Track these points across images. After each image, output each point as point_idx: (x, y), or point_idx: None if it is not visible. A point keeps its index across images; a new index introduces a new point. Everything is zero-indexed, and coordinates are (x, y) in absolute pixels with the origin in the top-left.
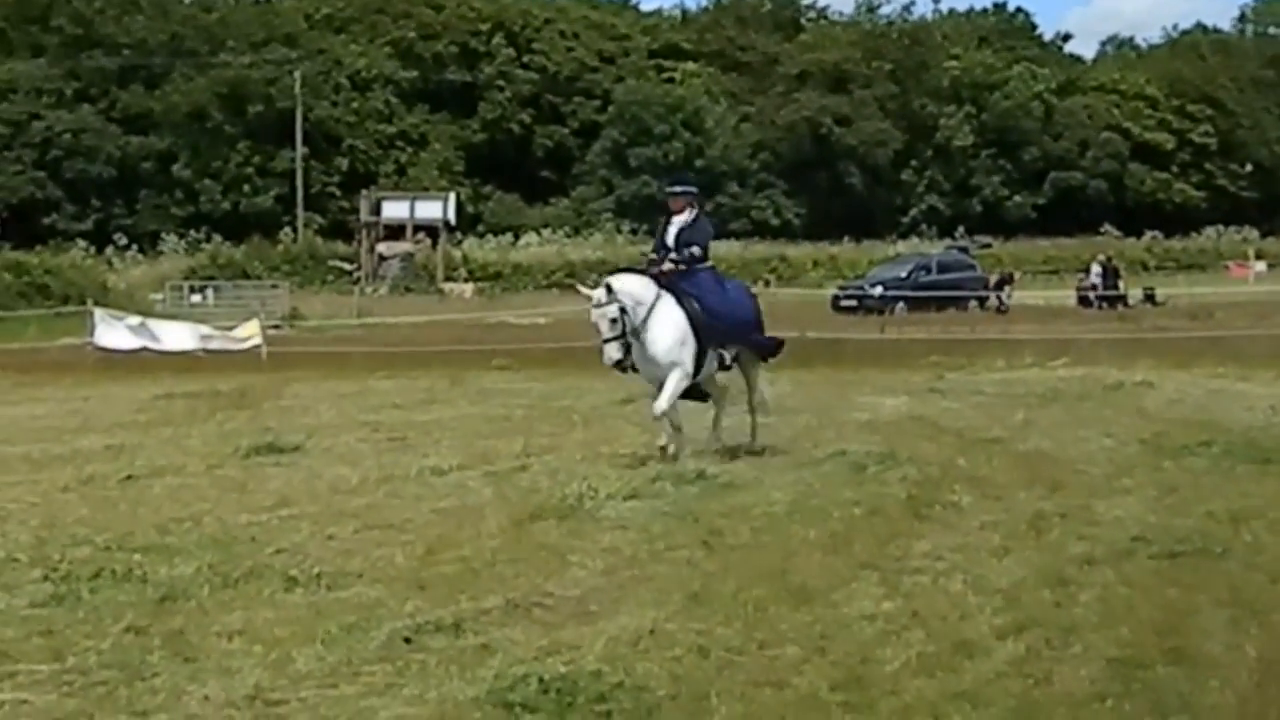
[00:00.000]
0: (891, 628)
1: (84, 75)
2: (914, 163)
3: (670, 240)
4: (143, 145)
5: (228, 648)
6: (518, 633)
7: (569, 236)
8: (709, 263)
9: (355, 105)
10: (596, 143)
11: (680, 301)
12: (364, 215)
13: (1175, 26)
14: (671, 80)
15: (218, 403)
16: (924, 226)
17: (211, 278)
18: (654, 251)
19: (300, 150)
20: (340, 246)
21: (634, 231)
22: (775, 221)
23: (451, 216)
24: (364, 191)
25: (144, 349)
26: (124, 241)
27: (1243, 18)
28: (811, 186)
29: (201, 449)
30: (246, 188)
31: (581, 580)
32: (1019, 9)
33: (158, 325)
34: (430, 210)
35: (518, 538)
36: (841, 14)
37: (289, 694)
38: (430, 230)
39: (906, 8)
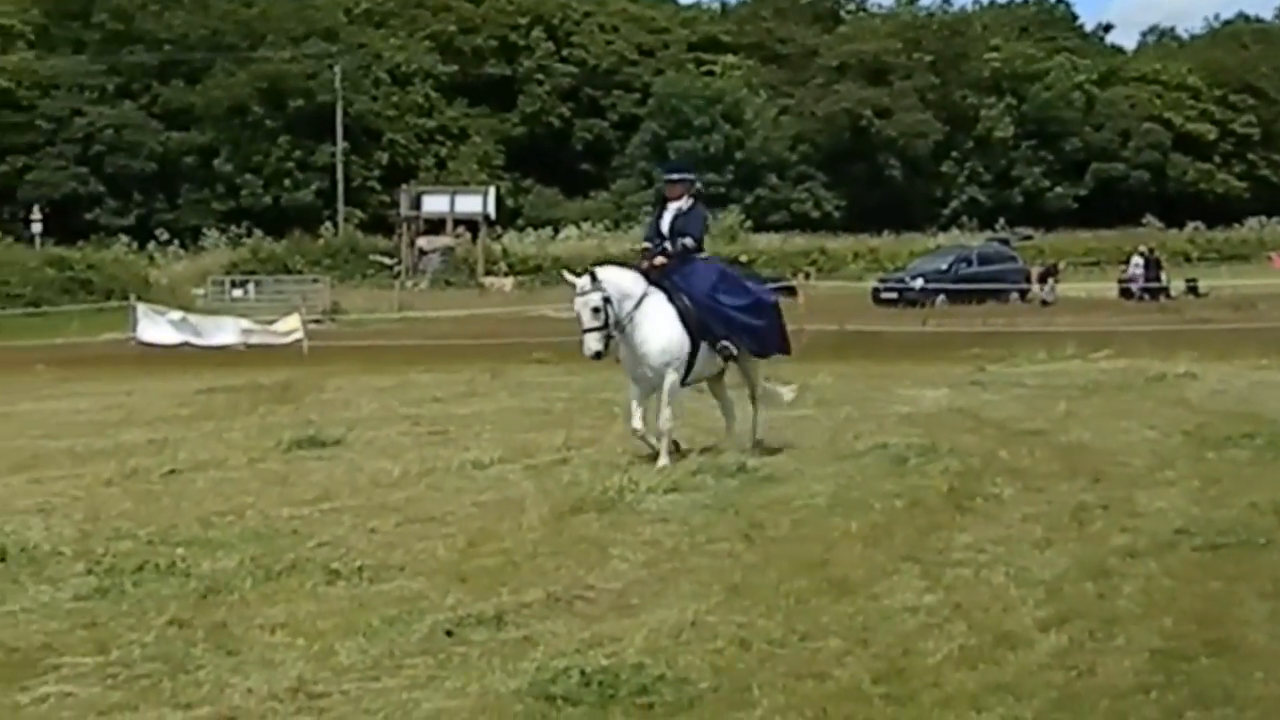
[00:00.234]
0: (933, 620)
1: (125, 71)
2: (954, 154)
3: (665, 228)
4: (184, 140)
5: (270, 640)
6: (559, 625)
7: (608, 230)
8: (704, 252)
9: (395, 99)
10: (636, 135)
11: (671, 298)
12: (404, 209)
13: (1217, 16)
14: (711, 73)
15: (259, 397)
16: (964, 218)
17: (253, 272)
18: (647, 240)
19: (340, 144)
20: (380, 241)
21: None
22: (815, 214)
23: (491, 210)
24: (404, 186)
25: (186, 344)
26: (165, 236)
27: None
28: (851, 178)
29: (243, 443)
30: (287, 182)
31: (622, 573)
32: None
33: (199, 320)
34: (470, 204)
35: (559, 530)
36: (881, 5)
37: (331, 686)
38: (470, 224)
39: None
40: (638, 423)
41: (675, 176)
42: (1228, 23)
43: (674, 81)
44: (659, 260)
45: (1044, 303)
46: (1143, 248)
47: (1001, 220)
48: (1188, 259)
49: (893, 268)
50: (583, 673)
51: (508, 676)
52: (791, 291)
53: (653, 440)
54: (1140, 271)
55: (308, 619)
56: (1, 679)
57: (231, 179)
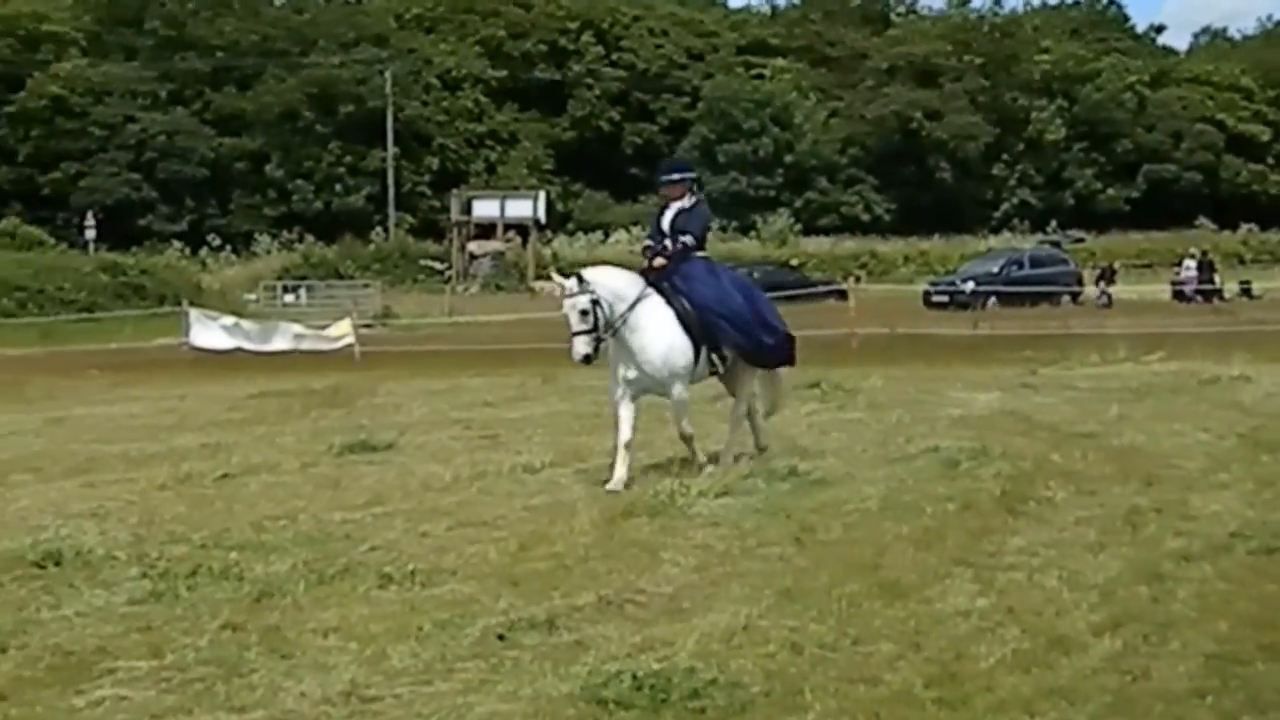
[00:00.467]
0: (986, 624)
1: (177, 77)
2: (1005, 156)
3: (666, 227)
4: (235, 146)
5: (323, 644)
6: (611, 629)
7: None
8: (704, 252)
9: (445, 104)
10: (685, 139)
11: (669, 301)
12: (455, 214)
13: (1270, 17)
14: (760, 76)
15: (311, 401)
16: (1015, 221)
17: (304, 277)
18: (649, 238)
19: (391, 150)
20: (431, 245)
21: (723, 228)
22: (865, 217)
23: (541, 214)
24: (454, 190)
25: (238, 348)
26: (217, 242)
27: None
28: (901, 181)
29: (296, 447)
30: (338, 187)
31: (674, 577)
32: (1111, 1)
33: (252, 325)
34: (520, 208)
35: (610, 534)
36: (931, 8)
37: (384, 690)
38: (520, 228)
39: (997, 1)
40: (627, 431)
41: (675, 177)
42: None
43: (723, 85)
44: (658, 261)
45: (1102, 305)
46: (1195, 250)
47: (1053, 223)
48: (1241, 261)
49: (943, 271)
50: (634, 677)
51: (559, 680)
52: (842, 295)
53: (620, 468)
54: (1193, 273)
55: (360, 623)
56: (57, 683)
57: (283, 184)
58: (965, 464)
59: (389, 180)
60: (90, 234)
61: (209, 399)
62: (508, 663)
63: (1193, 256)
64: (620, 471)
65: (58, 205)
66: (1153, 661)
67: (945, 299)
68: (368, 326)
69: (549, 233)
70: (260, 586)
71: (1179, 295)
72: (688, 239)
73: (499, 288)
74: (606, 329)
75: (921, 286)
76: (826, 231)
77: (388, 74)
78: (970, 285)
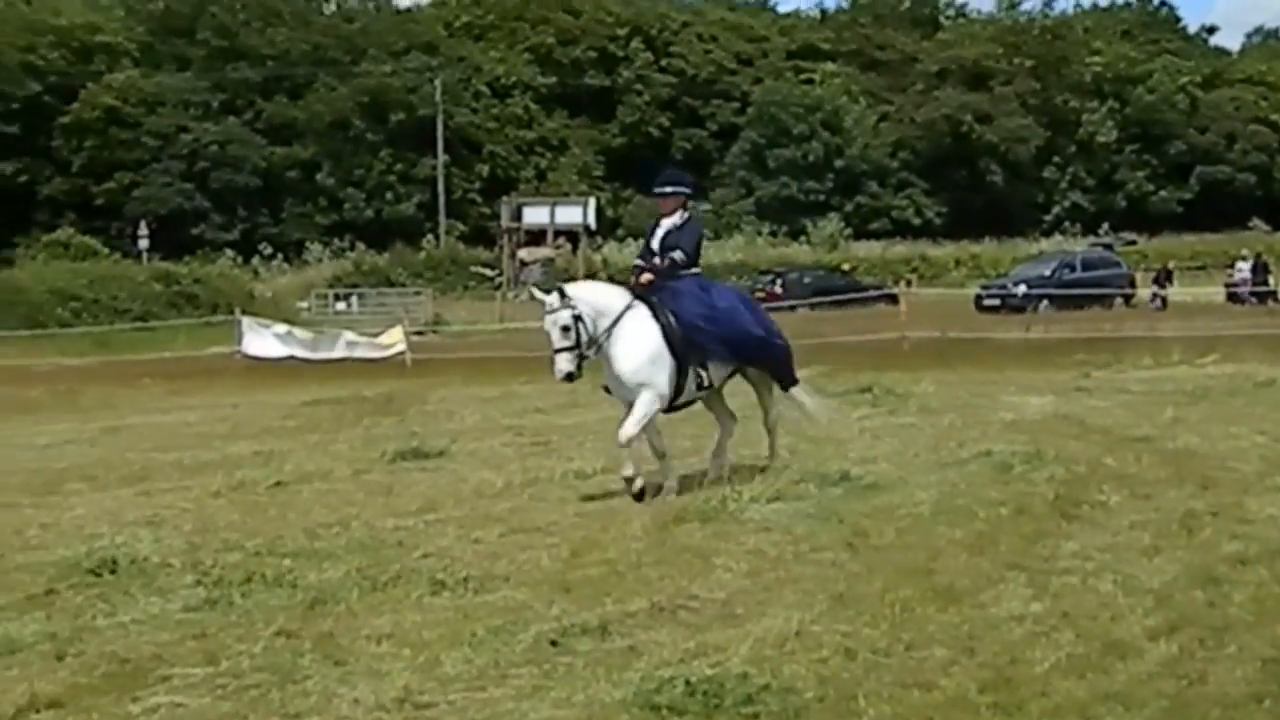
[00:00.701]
0: (1040, 628)
1: (229, 87)
2: (1056, 159)
3: (656, 245)
4: (287, 155)
5: (377, 651)
6: (663, 635)
7: (709, 239)
8: (696, 270)
9: (495, 111)
10: (735, 144)
11: (655, 314)
12: (505, 221)
13: None
14: (810, 81)
15: (364, 409)
16: (1067, 224)
17: (356, 285)
18: (640, 258)
19: (441, 157)
20: (482, 252)
21: (774, 233)
22: (916, 221)
23: (592, 221)
24: (504, 197)
25: (291, 356)
26: (269, 250)
27: None
28: (952, 184)
29: (348, 454)
30: (389, 195)
31: (726, 582)
32: (1163, 2)
33: (304, 333)
34: (570, 215)
35: (662, 540)
36: (980, 11)
37: (438, 696)
38: (571, 235)
39: (1048, 3)
40: (655, 443)
41: (668, 190)
42: None
43: (773, 90)
44: (645, 277)
45: (1156, 307)
46: (1248, 251)
47: (1105, 225)
48: None
49: (995, 274)
50: (688, 682)
51: (613, 686)
52: (893, 299)
53: (631, 464)
54: (1247, 275)
55: (413, 629)
56: (113, 690)
57: (334, 192)
58: (1018, 468)
59: (439, 188)
60: (144, 243)
61: (262, 407)
62: (561, 669)
63: (1245, 258)
64: (670, 482)
65: (112, 215)
66: (1209, 666)
67: (997, 302)
68: (419, 334)
69: (599, 239)
70: (314, 593)
71: (1233, 297)
72: (678, 255)
73: None
74: (590, 345)
75: (973, 290)
76: (877, 235)
77: (438, 82)
78: (1022, 288)
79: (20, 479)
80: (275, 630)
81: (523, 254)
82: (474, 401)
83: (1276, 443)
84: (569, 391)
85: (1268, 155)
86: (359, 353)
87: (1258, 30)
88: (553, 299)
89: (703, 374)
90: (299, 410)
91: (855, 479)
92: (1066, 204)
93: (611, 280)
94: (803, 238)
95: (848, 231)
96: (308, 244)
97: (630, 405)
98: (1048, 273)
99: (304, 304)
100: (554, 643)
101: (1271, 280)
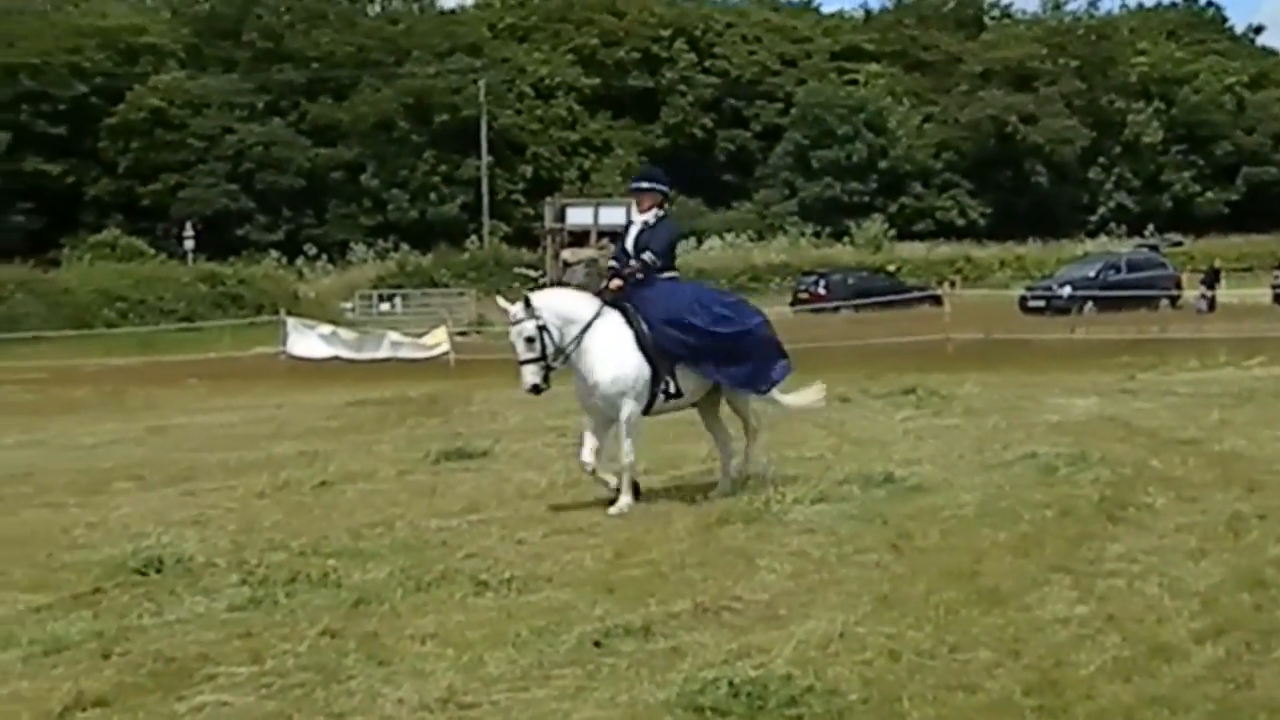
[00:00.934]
0: (1085, 631)
1: (274, 88)
2: (1101, 160)
3: (630, 244)
4: (331, 156)
5: (421, 650)
6: (707, 636)
7: (752, 240)
8: (672, 272)
9: (539, 113)
10: (779, 145)
11: (628, 321)
12: (548, 222)
13: None
14: (854, 81)
15: (408, 409)
16: (1112, 225)
17: (399, 286)
18: (614, 259)
19: (485, 158)
20: (525, 253)
21: (817, 234)
22: (960, 222)
23: None
24: (548, 198)
25: (335, 357)
26: (314, 251)
27: None
28: (996, 185)
29: (392, 455)
30: (433, 196)
31: (770, 584)
32: (1209, 2)
33: (348, 333)
34: (614, 215)
35: (705, 541)
36: (1025, 11)
37: (481, 696)
38: (614, 235)
39: (1093, 3)
40: (588, 455)
41: (645, 186)
42: None
43: (817, 91)
44: (615, 283)
45: (1207, 309)
46: None
47: (1150, 226)
48: None
49: (1039, 275)
50: (731, 684)
51: (656, 687)
52: (937, 301)
53: (608, 478)
54: None
55: (457, 629)
56: (159, 689)
57: (378, 194)
58: (1063, 470)
59: (483, 188)
60: (189, 244)
61: (306, 407)
62: (604, 669)
63: None
64: (625, 499)
65: (157, 216)
66: (1256, 670)
67: (1042, 304)
68: (463, 334)
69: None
70: (358, 593)
71: None
72: (647, 256)
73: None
74: (557, 356)
75: (1017, 291)
76: (921, 237)
77: (482, 83)
78: (1067, 290)
79: (67, 479)
80: (320, 630)
81: (566, 255)
82: (517, 402)
83: None
84: None
85: None
86: (403, 353)
87: None
88: (516, 309)
89: (670, 382)
90: (343, 410)
91: (899, 480)
92: (1112, 205)
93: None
94: (846, 239)
95: (891, 232)
96: (352, 245)
97: (599, 416)
98: (1093, 274)
99: (348, 305)
100: (598, 643)
101: None
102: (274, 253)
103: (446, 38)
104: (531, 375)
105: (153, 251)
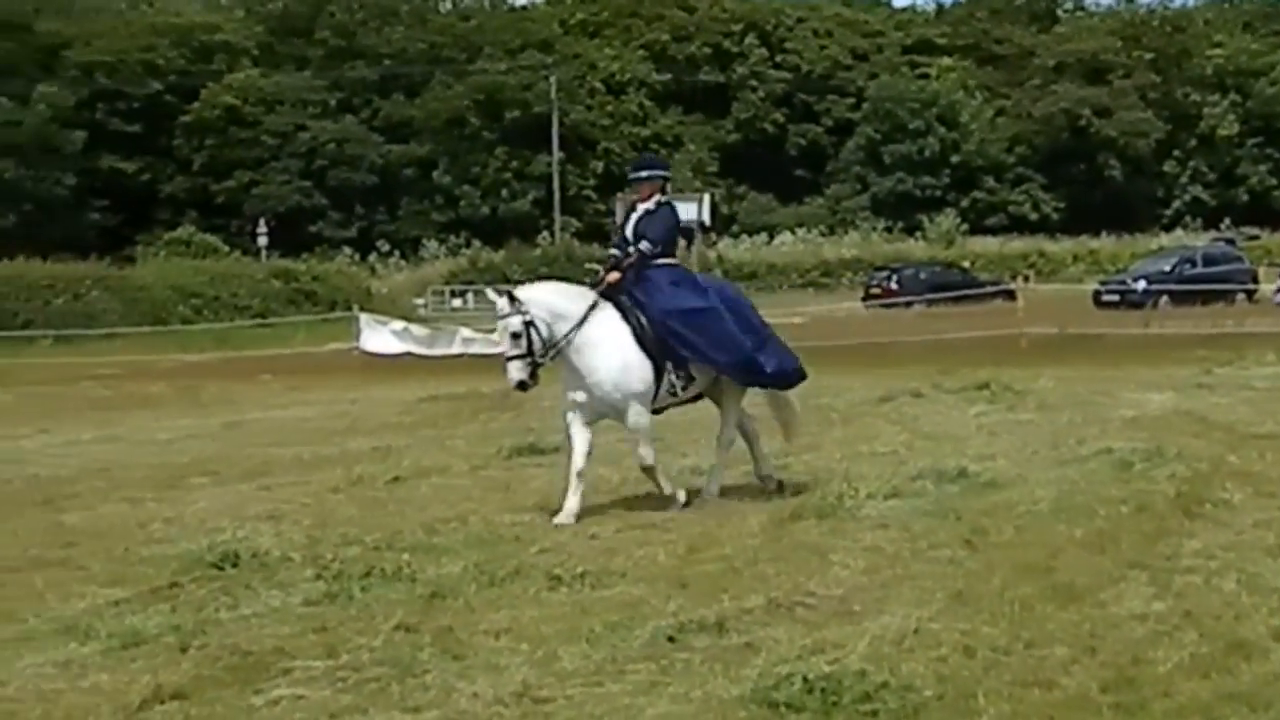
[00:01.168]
0: (1163, 628)
1: (347, 86)
2: (1176, 153)
3: (630, 233)
4: (403, 153)
5: (495, 645)
6: (781, 631)
7: (824, 235)
8: (671, 260)
9: (610, 108)
10: (850, 140)
11: (625, 316)
12: (619, 217)
13: None
14: (925, 75)
15: (480, 404)
16: (1187, 218)
17: (471, 282)
18: (614, 246)
19: (556, 154)
20: (596, 249)
21: (889, 229)
22: (1033, 216)
23: (706, 217)
24: (619, 194)
25: (408, 353)
26: (386, 248)
27: None
28: (1070, 179)
29: (465, 450)
30: (504, 192)
31: (843, 579)
32: None
33: (421, 329)
34: (686, 211)
35: (778, 537)
36: (1099, 4)
37: (555, 691)
38: (685, 231)
39: None
40: (580, 461)
41: (644, 174)
42: None
43: (888, 85)
44: (612, 276)
45: None
46: None
47: (1226, 220)
48: None
49: (1114, 270)
50: (805, 679)
51: (730, 683)
52: (1010, 295)
53: (663, 483)
54: None
55: (531, 624)
56: (236, 682)
57: (450, 190)
58: (1139, 465)
59: (554, 185)
60: (263, 241)
61: (380, 403)
62: (678, 664)
63: None
64: (572, 502)
65: (231, 213)
66: None
67: (1116, 298)
68: None
69: (714, 235)
70: (432, 588)
71: None
72: (645, 245)
73: None
74: (546, 351)
75: (1091, 286)
76: (994, 231)
77: (553, 79)
78: (1142, 284)
79: (143, 473)
80: (394, 624)
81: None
82: None
83: None
84: None
85: None
86: (475, 349)
87: None
88: (502, 303)
89: (675, 380)
90: (416, 406)
91: (973, 476)
92: (1187, 198)
93: (726, 276)
94: (918, 233)
95: (964, 227)
96: (424, 241)
97: (596, 417)
98: (1168, 268)
99: (420, 301)
100: (671, 639)
101: None
102: (347, 249)
103: (518, 34)
104: (517, 371)
105: (227, 248)
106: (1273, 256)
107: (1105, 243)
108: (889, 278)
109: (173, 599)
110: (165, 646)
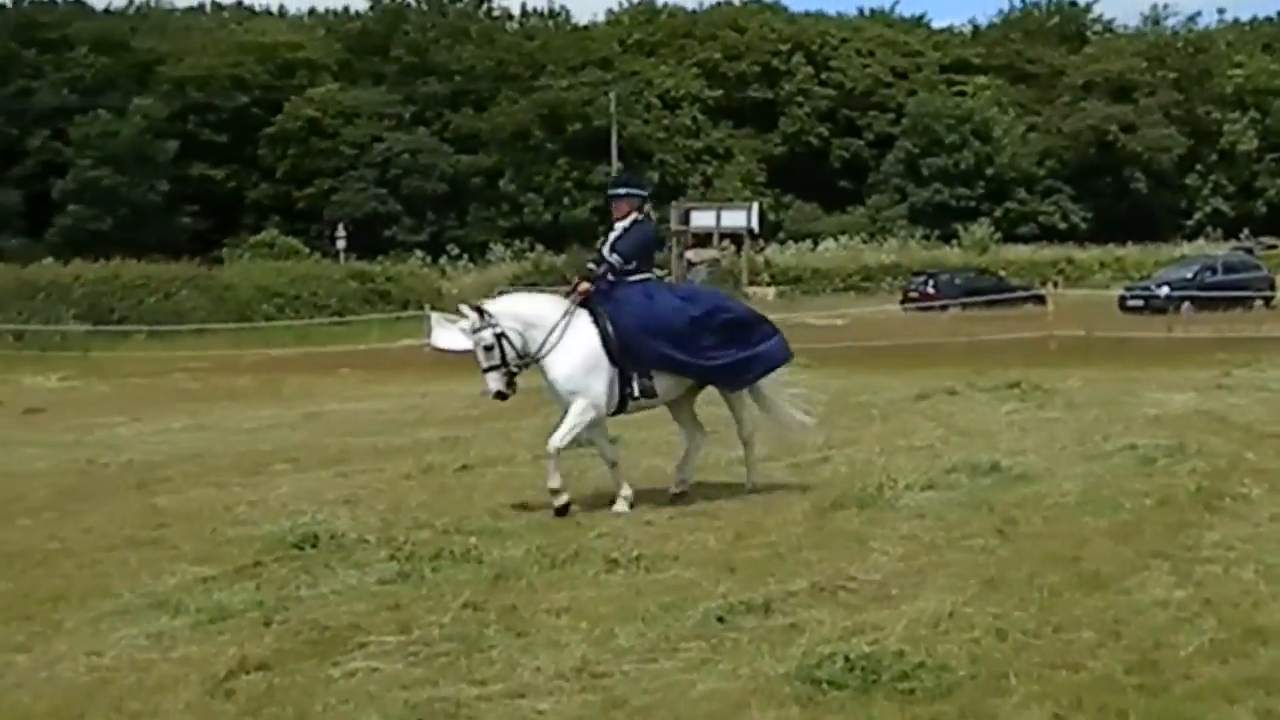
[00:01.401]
0: (1184, 614)
1: (419, 100)
2: (1198, 167)
3: (608, 250)
4: (472, 163)
5: (556, 623)
6: (823, 614)
7: (865, 241)
8: (645, 274)
9: (665, 123)
10: (890, 153)
11: (595, 321)
12: (674, 224)
13: None
14: (962, 93)
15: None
16: (1208, 229)
17: (535, 284)
18: (593, 262)
19: (615, 165)
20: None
21: (926, 237)
22: (1062, 225)
23: (755, 224)
24: (673, 202)
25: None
26: (456, 251)
27: None
28: (1097, 191)
29: (529, 441)
30: (566, 200)
31: (882, 565)
32: None
33: None
34: (735, 219)
35: (821, 525)
36: (1126, 26)
37: (612, 667)
38: (735, 237)
39: (1191, 18)
40: (608, 453)
41: (621, 192)
42: None
43: (927, 102)
44: (583, 287)
45: None
46: None
47: (1245, 230)
48: None
49: (1138, 277)
50: (847, 659)
51: (776, 661)
52: (1041, 300)
53: (556, 476)
54: None
55: (590, 604)
56: (315, 655)
57: (515, 198)
58: (1162, 461)
59: None
60: (341, 244)
61: (449, 396)
62: (727, 643)
63: None
64: (625, 490)
65: (312, 218)
66: None
67: (1140, 303)
68: None
69: (762, 241)
70: (498, 569)
71: None
72: (614, 259)
73: None
74: (521, 360)
75: (1117, 291)
76: (1025, 240)
77: (612, 95)
78: (1165, 290)
79: (230, 460)
80: (462, 603)
81: (690, 255)
82: None
83: None
84: None
85: None
86: None
87: None
88: (471, 319)
89: (640, 384)
90: (483, 400)
91: (1005, 470)
92: (1208, 210)
93: (773, 280)
94: (954, 241)
95: (997, 235)
96: (491, 245)
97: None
98: (1190, 275)
99: None
100: (720, 619)
101: None
102: (419, 252)
103: (579, 52)
104: (494, 382)
105: (307, 251)
106: None
107: (1130, 251)
108: (926, 283)
109: (256, 577)
110: (249, 621)
